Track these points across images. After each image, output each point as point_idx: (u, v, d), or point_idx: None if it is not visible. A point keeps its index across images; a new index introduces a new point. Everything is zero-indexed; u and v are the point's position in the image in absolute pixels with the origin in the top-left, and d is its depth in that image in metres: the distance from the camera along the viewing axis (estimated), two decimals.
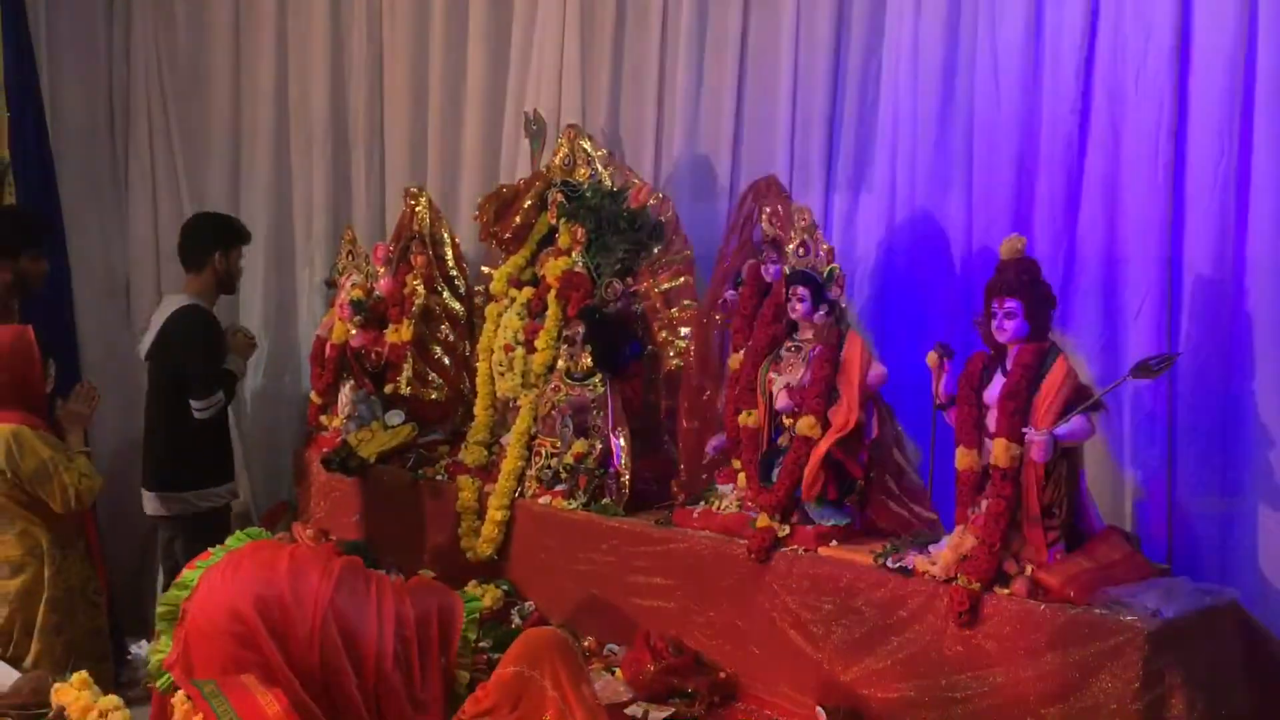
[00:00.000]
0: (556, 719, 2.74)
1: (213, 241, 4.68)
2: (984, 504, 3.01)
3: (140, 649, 4.91)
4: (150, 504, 4.65)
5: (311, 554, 3.10)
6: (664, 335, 4.06)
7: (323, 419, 4.96)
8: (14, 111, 5.49)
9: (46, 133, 5.69)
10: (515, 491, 4.08)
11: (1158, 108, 3.33)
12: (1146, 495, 3.38)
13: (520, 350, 4.21)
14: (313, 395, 5.07)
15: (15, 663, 3.67)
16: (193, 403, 4.40)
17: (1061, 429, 2.89)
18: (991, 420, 3.03)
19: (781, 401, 3.44)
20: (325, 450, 4.73)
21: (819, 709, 3.13)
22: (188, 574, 3.08)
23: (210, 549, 3.16)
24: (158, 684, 2.96)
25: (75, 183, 5.84)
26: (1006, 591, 2.91)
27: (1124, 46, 3.41)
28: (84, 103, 6.02)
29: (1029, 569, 2.92)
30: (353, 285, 4.89)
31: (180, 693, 2.65)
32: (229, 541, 3.19)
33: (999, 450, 2.94)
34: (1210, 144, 3.26)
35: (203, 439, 4.53)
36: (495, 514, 4.06)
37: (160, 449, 4.60)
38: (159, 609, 3.06)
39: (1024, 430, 2.92)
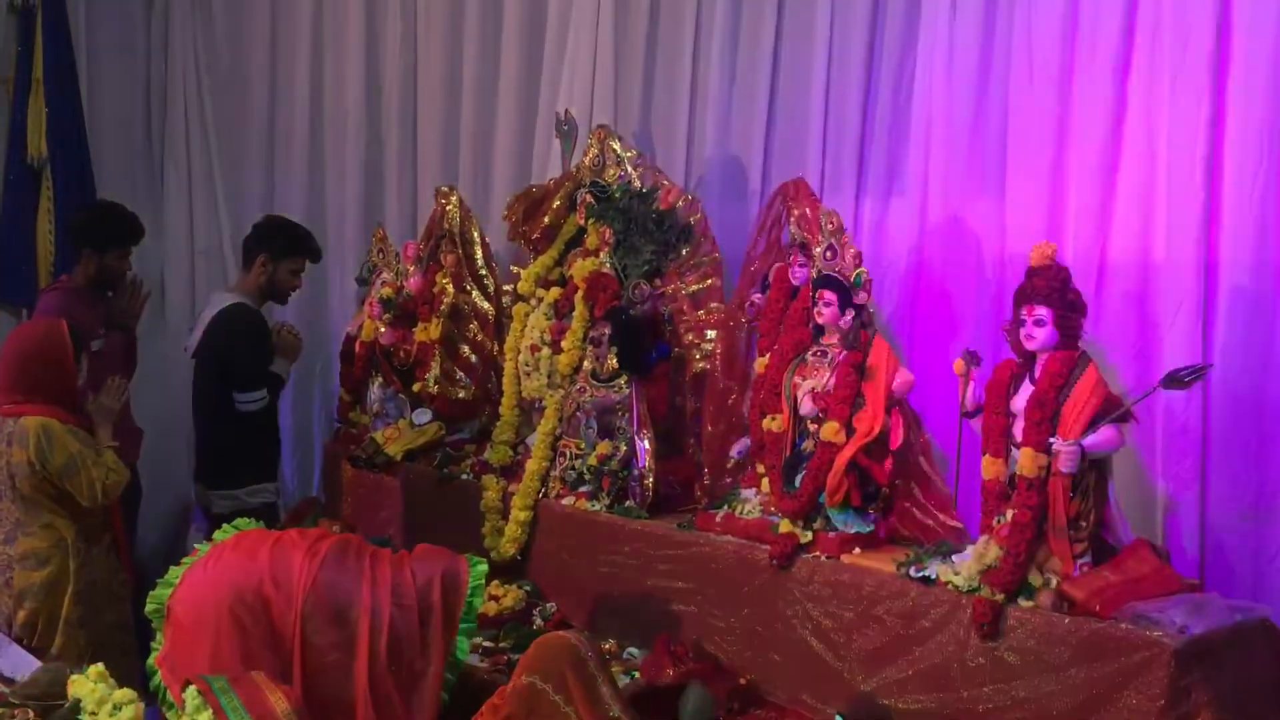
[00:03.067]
0: None
1: (259, 244, 4.67)
2: (1009, 514, 2.96)
3: None
4: (204, 498, 4.79)
5: (299, 537, 3.09)
6: (690, 338, 4.04)
7: (352, 415, 4.98)
8: (52, 108, 5.56)
9: (84, 130, 5.76)
10: (539, 492, 4.06)
11: (1195, 111, 3.27)
12: (1178, 508, 3.32)
13: (546, 350, 4.20)
14: (342, 392, 5.08)
15: (40, 654, 3.70)
16: (236, 395, 4.46)
17: (1090, 439, 2.83)
18: (1019, 429, 2.98)
19: (806, 406, 3.40)
20: (353, 447, 4.75)
21: (838, 717, 3.09)
22: (172, 570, 3.09)
23: (196, 546, 3.18)
24: (149, 683, 2.98)
25: (112, 180, 5.91)
26: (1031, 604, 2.86)
27: (1162, 49, 3.35)
28: (122, 100, 6.10)
29: (1054, 581, 2.87)
30: (383, 283, 4.90)
31: (192, 687, 2.65)
32: (216, 535, 3.20)
33: (1025, 460, 2.89)
34: (1249, 148, 3.19)
35: (252, 434, 4.57)
36: (519, 514, 4.04)
37: (210, 446, 4.67)
38: (147, 607, 3.08)
39: (1051, 440, 2.87)
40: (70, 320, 4.18)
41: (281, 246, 4.66)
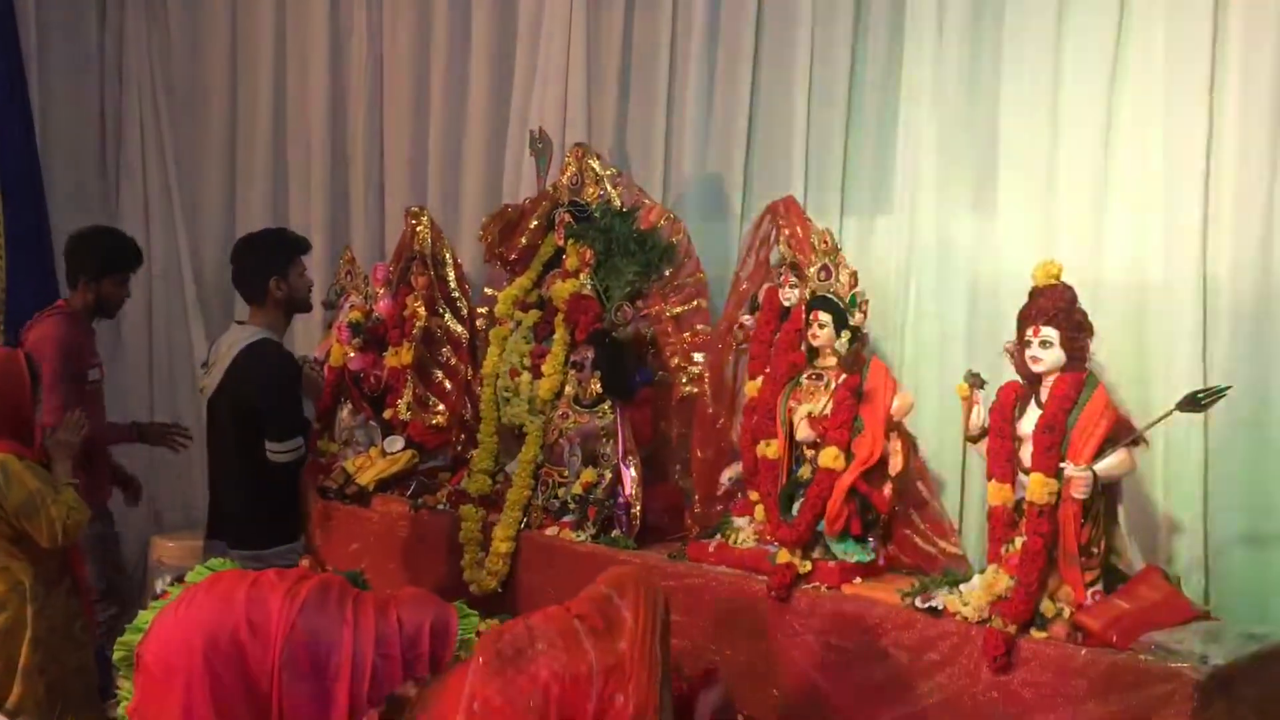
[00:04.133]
0: (629, 653, 2.54)
1: (265, 267, 4.03)
2: (1018, 541, 2.87)
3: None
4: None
5: (277, 579, 2.93)
6: (676, 361, 3.93)
7: (320, 444, 4.81)
8: (3, 127, 5.36)
9: (36, 150, 5.56)
10: (521, 522, 3.93)
11: (1191, 126, 3.22)
12: (1181, 531, 3.26)
13: (526, 375, 4.07)
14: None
15: None
16: (270, 445, 3.78)
17: (1102, 464, 2.76)
18: (1026, 454, 2.90)
19: (803, 432, 3.31)
20: (322, 477, 4.59)
21: None
22: (142, 615, 2.93)
23: (168, 589, 3.01)
24: None
25: (65, 201, 5.70)
26: (1044, 635, 2.79)
27: (1155, 63, 3.31)
28: (75, 120, 5.90)
29: (1067, 611, 2.80)
30: (351, 306, 4.75)
31: None
32: (189, 577, 3.04)
33: (1035, 486, 2.82)
34: (1249, 164, 3.15)
35: (283, 488, 3.93)
36: (500, 545, 3.91)
37: (236, 502, 3.97)
38: (116, 653, 2.91)
39: (1062, 465, 2.79)
40: (74, 346, 4.01)
41: (280, 259, 4.05)
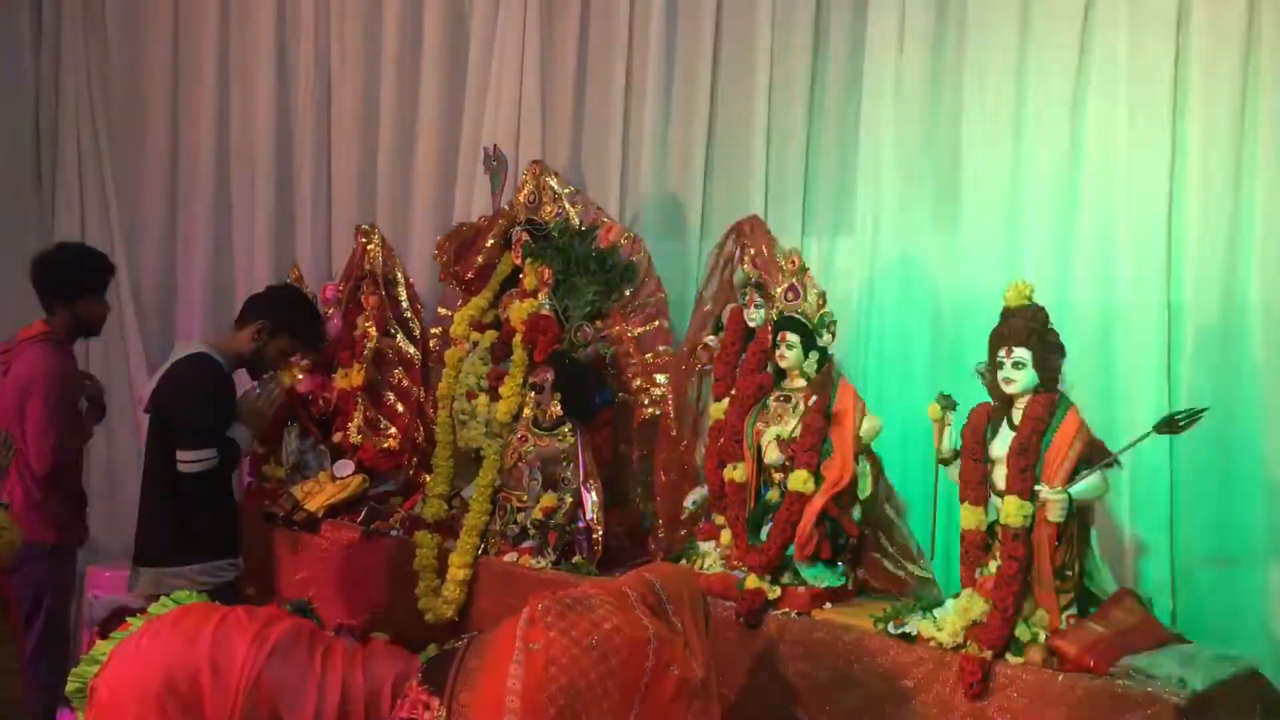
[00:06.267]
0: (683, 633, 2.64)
1: (267, 312, 3.78)
2: (992, 565, 2.83)
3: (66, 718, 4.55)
4: (142, 581, 3.71)
5: (247, 619, 2.81)
6: (638, 382, 3.86)
7: (266, 469, 4.66)
8: None
9: None
10: (479, 549, 3.83)
11: (1156, 146, 3.23)
12: (1148, 553, 3.24)
13: (484, 397, 3.97)
14: None
15: None
16: (180, 454, 3.58)
17: (1077, 487, 2.73)
18: (999, 476, 2.86)
19: (772, 455, 3.24)
20: (268, 503, 4.44)
21: None
22: (100, 646, 2.79)
23: (130, 619, 2.87)
24: None
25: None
26: (1020, 660, 2.74)
27: (1119, 83, 3.31)
28: (8, 138, 5.71)
29: (1042, 635, 2.75)
30: None
31: None
32: (152, 609, 2.90)
33: (1010, 509, 2.78)
34: (1213, 185, 3.17)
35: (203, 502, 3.65)
36: (457, 573, 3.80)
37: (154, 517, 3.75)
38: (69, 685, 2.77)
39: (1037, 488, 2.76)
40: (69, 374, 3.92)
41: (282, 320, 3.80)
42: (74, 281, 4.18)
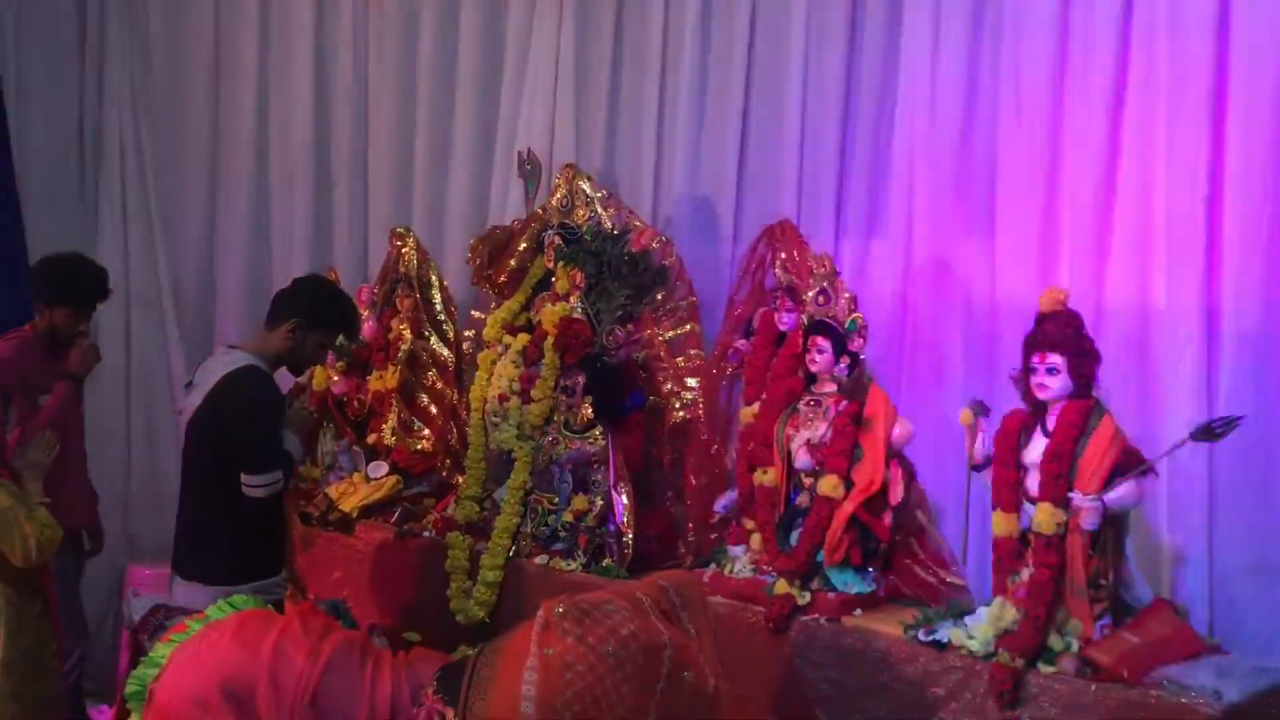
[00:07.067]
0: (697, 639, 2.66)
1: (300, 308, 3.67)
2: (1025, 573, 2.80)
3: (101, 715, 4.61)
4: (187, 596, 3.58)
5: (302, 632, 2.83)
6: (669, 386, 3.85)
7: (302, 470, 4.70)
8: None
9: (13, 173, 5.39)
10: (510, 550, 3.84)
11: (1195, 147, 3.19)
12: (1185, 562, 3.20)
13: (516, 400, 3.98)
14: None
15: None
16: (245, 478, 3.48)
17: (1111, 495, 2.69)
18: (1032, 483, 2.83)
19: (802, 459, 3.23)
20: (304, 504, 4.48)
21: None
22: (159, 649, 2.82)
23: (186, 621, 2.89)
24: None
25: (43, 225, 5.49)
26: (1052, 669, 2.71)
27: (1158, 83, 3.27)
28: (53, 141, 5.75)
29: (1075, 645, 2.72)
30: None
31: None
32: (209, 612, 2.92)
33: (1043, 516, 2.75)
34: (1253, 185, 3.12)
35: (256, 522, 3.59)
36: (488, 574, 3.81)
37: (204, 535, 3.65)
38: (128, 688, 2.80)
39: (1070, 495, 2.72)
40: (19, 370, 3.86)
41: (320, 321, 3.71)
42: (54, 290, 4.22)
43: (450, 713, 2.58)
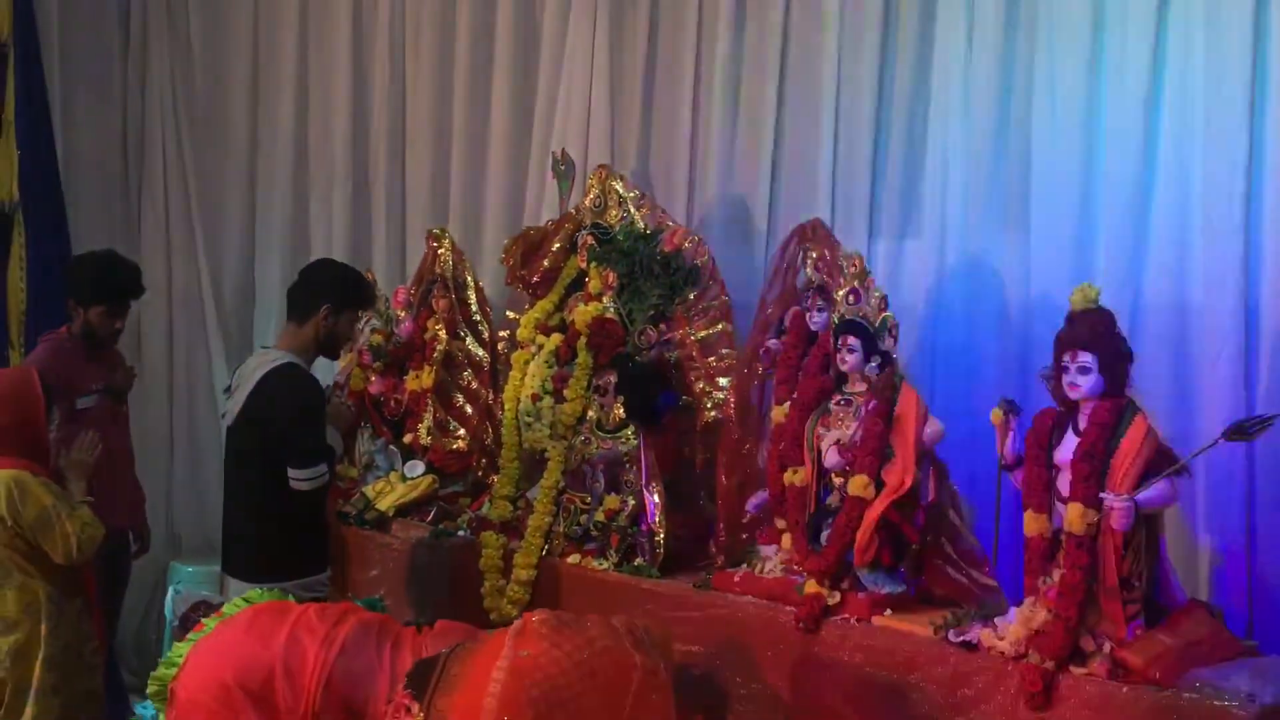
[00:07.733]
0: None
1: (330, 293, 3.72)
2: (1056, 574, 2.78)
3: (146, 708, 4.68)
4: (239, 593, 3.51)
5: (317, 620, 2.85)
6: (701, 386, 3.85)
7: (340, 469, 4.75)
8: (24, 150, 5.34)
9: (58, 173, 5.53)
10: (543, 549, 3.86)
11: (1233, 145, 3.15)
12: (1224, 563, 3.15)
13: (549, 400, 4.00)
14: None
15: None
16: (292, 472, 3.52)
17: (1144, 495, 2.66)
18: (1063, 483, 2.81)
19: (832, 459, 3.22)
20: (341, 502, 4.52)
21: None
22: (177, 648, 2.85)
23: (204, 620, 2.93)
24: None
25: (87, 225, 5.66)
26: (1084, 671, 2.69)
27: (1195, 81, 3.23)
28: (97, 142, 5.87)
29: (1107, 646, 2.69)
30: (372, 330, 4.70)
31: None
32: (226, 609, 2.96)
33: (1074, 516, 2.72)
34: None
35: (303, 519, 3.65)
36: (521, 573, 3.83)
37: (254, 534, 3.70)
38: (149, 688, 2.85)
39: (1102, 495, 2.70)
40: (53, 372, 3.92)
41: (344, 298, 3.77)
42: (89, 289, 4.26)
43: (416, 707, 2.59)
